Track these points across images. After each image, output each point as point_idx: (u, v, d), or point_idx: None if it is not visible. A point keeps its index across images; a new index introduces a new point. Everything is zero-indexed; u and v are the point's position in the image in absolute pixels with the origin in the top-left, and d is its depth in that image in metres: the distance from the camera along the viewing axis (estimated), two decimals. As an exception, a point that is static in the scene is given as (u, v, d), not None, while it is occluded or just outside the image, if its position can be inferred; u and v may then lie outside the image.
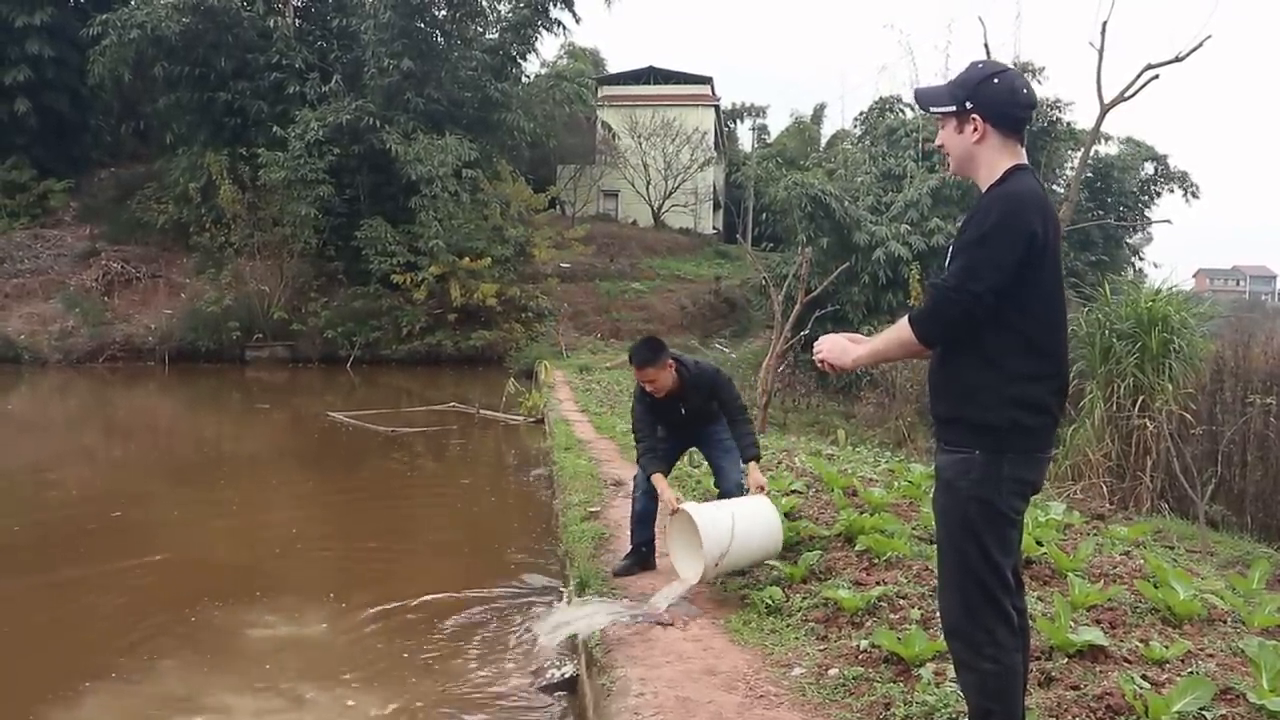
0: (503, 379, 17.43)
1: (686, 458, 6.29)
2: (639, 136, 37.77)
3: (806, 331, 11.33)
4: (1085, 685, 3.06)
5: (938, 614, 2.77)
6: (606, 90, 39.64)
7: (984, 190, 2.41)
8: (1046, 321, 2.36)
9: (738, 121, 51.55)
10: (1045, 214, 2.34)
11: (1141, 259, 32.57)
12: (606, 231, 34.96)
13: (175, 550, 7.27)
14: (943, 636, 2.60)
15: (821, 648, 3.68)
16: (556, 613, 4.94)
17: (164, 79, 25.16)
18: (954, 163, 2.52)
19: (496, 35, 27.53)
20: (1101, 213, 26.27)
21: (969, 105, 2.40)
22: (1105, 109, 13.67)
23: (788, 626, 3.98)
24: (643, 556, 5.06)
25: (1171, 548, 5.89)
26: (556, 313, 26.42)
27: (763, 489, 4.81)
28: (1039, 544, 4.60)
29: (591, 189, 38.83)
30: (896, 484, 6.42)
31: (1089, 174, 25.23)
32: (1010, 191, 2.33)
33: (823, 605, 4.07)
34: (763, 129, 51.72)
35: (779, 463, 7.70)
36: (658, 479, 4.78)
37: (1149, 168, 29.82)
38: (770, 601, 4.20)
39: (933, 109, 2.50)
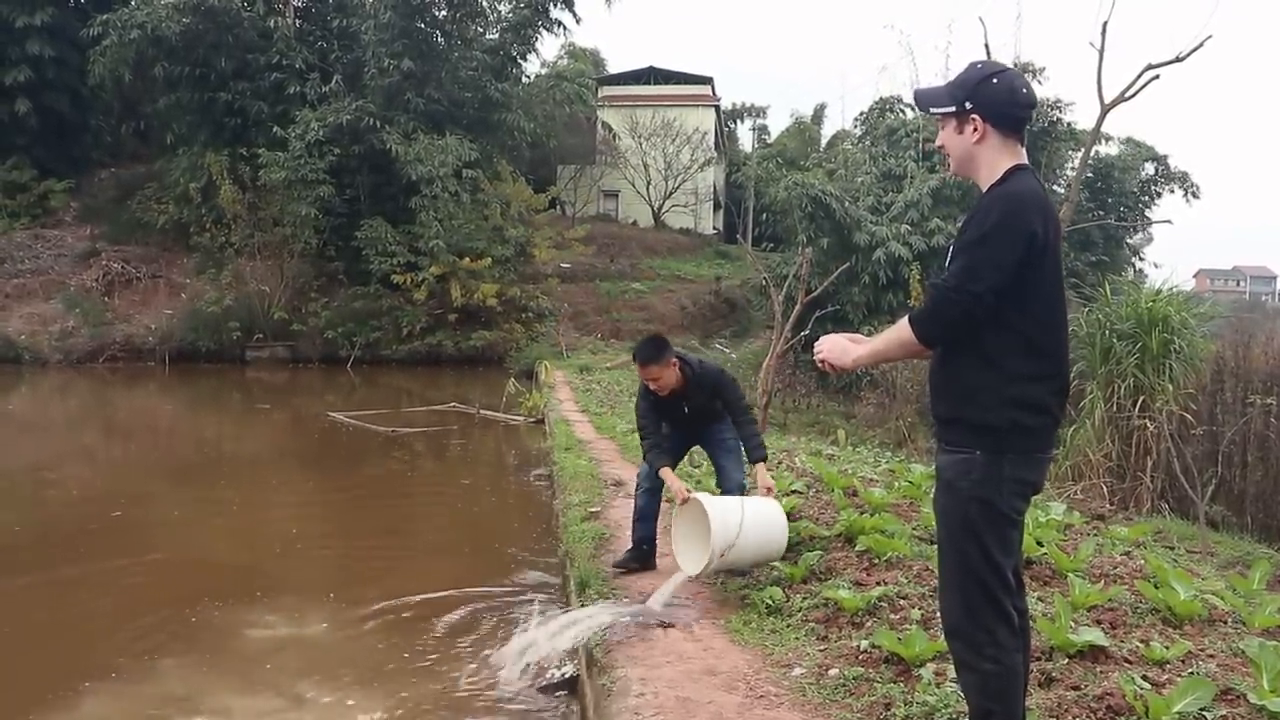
0: (503, 379, 17.43)
1: (687, 458, 6.29)
2: (639, 137, 37.77)
3: (807, 332, 11.32)
4: (1086, 686, 3.06)
5: (938, 614, 2.77)
6: (607, 90, 39.64)
7: (984, 190, 2.41)
8: (1047, 322, 2.36)
9: (738, 122, 51.59)
10: (1046, 214, 2.34)
11: (1142, 259, 32.62)
12: (607, 232, 34.96)
13: (175, 550, 7.28)
14: (943, 637, 2.60)
15: (822, 648, 3.68)
16: (523, 635, 4.80)
17: (164, 79, 25.18)
18: (954, 163, 2.52)
19: (497, 35, 27.54)
20: (1102, 213, 26.26)
21: (969, 105, 2.40)
22: (1106, 109, 13.65)
23: (788, 627, 3.98)
24: (643, 554, 5.06)
25: (1172, 548, 5.88)
26: (557, 313, 26.42)
27: (769, 490, 4.81)
28: (1039, 544, 4.60)
29: (592, 189, 38.83)
30: (897, 484, 6.41)
31: (1089, 174, 25.22)
32: (1011, 191, 2.33)
33: (823, 605, 4.07)
34: (763, 129, 51.78)
35: (779, 463, 7.69)
36: (665, 472, 4.79)
37: (1149, 168, 29.82)
38: (771, 602, 4.20)
39: (932, 110, 2.50)
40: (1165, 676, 3.10)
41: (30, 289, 24.46)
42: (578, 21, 34.67)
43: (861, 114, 30.67)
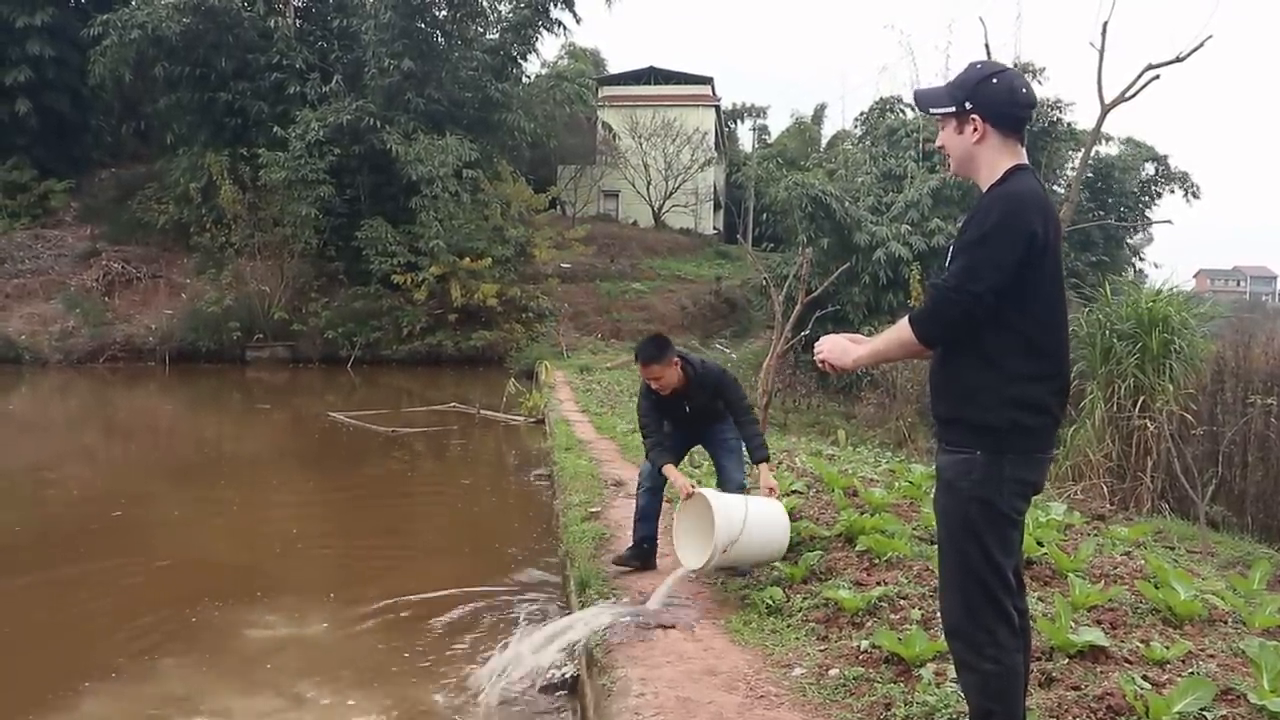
0: (503, 379, 17.44)
1: (687, 459, 6.29)
2: (639, 137, 37.76)
3: (807, 332, 11.30)
4: (1086, 686, 3.06)
5: (938, 614, 2.77)
6: (607, 90, 39.63)
7: (984, 190, 2.41)
8: (1047, 322, 2.36)
9: (738, 122, 51.59)
10: (1046, 214, 2.34)
11: (1142, 259, 32.63)
12: (607, 232, 34.96)
13: (176, 550, 7.28)
14: (943, 637, 2.60)
15: (822, 648, 3.68)
16: (502, 654, 4.64)
17: (164, 79, 25.18)
18: (954, 163, 2.52)
19: (497, 35, 27.53)
20: (1102, 213, 26.26)
21: (968, 106, 2.40)
22: (1106, 109, 13.65)
23: (788, 627, 3.98)
24: (644, 553, 5.06)
25: (1172, 548, 5.88)
26: (557, 313, 26.41)
27: (772, 491, 4.81)
28: (1040, 544, 4.60)
29: (592, 189, 38.83)
30: (897, 484, 6.41)
31: (1089, 174, 25.22)
32: (1011, 191, 2.33)
33: (823, 605, 4.07)
34: (763, 129, 51.78)
35: (780, 463, 7.69)
36: (669, 469, 4.80)
37: (1149, 168, 29.83)
38: (771, 602, 4.20)
39: (932, 110, 2.50)
40: (1165, 676, 3.10)
41: (30, 289, 24.47)
42: (578, 21, 34.71)
43: (862, 114, 30.69)
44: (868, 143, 26.79)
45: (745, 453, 5.11)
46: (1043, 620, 3.40)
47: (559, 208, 35.36)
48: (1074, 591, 3.90)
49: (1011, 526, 2.39)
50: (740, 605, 4.37)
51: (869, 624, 3.78)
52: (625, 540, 5.32)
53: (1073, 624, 3.47)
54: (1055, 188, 24.37)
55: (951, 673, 2.91)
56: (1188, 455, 7.69)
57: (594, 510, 6.55)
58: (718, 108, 43.48)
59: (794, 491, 6.16)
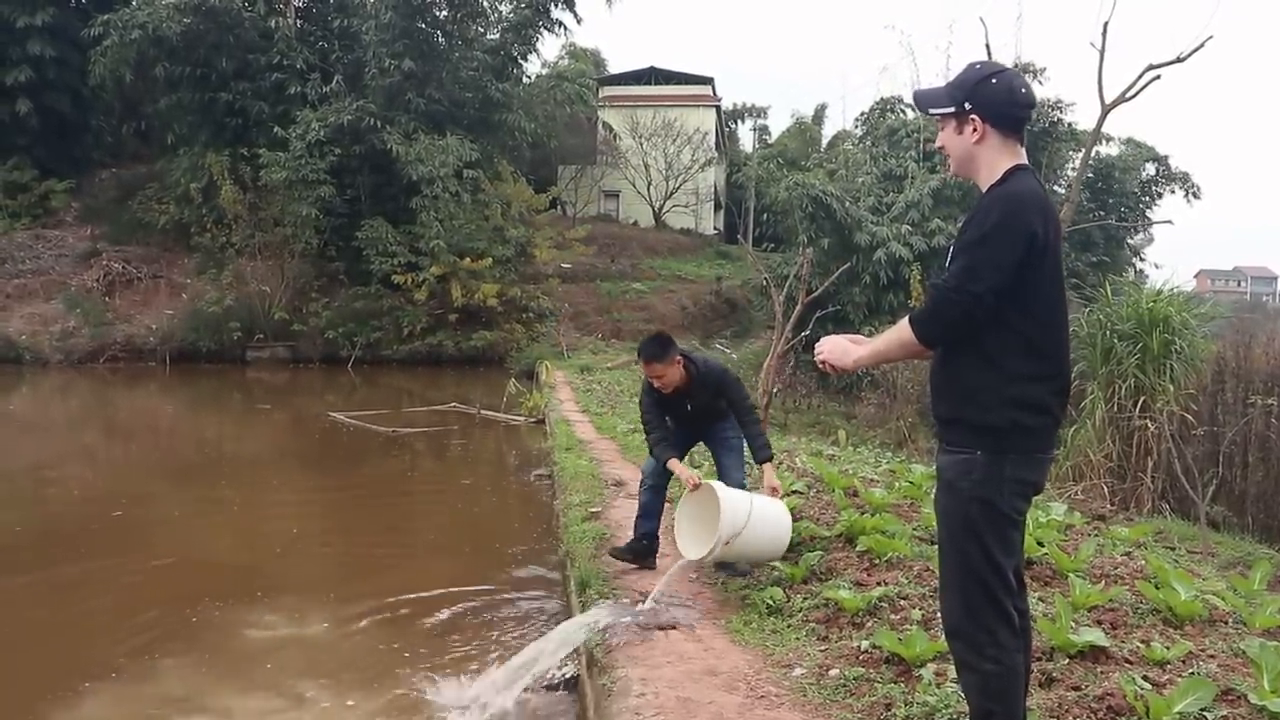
0: (504, 379, 17.44)
1: (688, 459, 6.29)
2: (640, 137, 37.75)
3: (808, 332, 11.30)
4: (1086, 686, 3.06)
5: (939, 615, 2.77)
6: (607, 90, 39.62)
7: (984, 190, 2.40)
8: (1047, 322, 2.36)
9: (739, 122, 51.58)
10: (1046, 214, 2.34)
11: (1143, 260, 32.59)
12: (607, 232, 34.95)
13: (176, 550, 7.28)
14: (944, 637, 2.60)
15: (822, 648, 3.68)
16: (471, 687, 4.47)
17: (165, 79, 25.17)
18: (954, 164, 2.52)
19: (497, 35, 27.52)
20: (1103, 213, 26.25)
21: (968, 106, 2.40)
22: (1106, 109, 13.65)
23: (789, 627, 3.98)
24: (643, 548, 5.06)
25: (1172, 548, 5.88)
26: (557, 313, 26.41)
27: (775, 491, 4.82)
28: (1040, 544, 4.60)
29: (592, 189, 38.82)
30: (897, 484, 6.41)
31: (1090, 174, 25.20)
32: (1010, 192, 2.33)
33: (824, 606, 4.07)
34: (764, 129, 51.76)
35: (780, 463, 7.68)
36: (673, 462, 4.81)
37: (1150, 168, 29.81)
38: (771, 602, 4.20)
39: (932, 110, 2.50)
40: (1166, 677, 3.10)
41: (31, 289, 24.47)
42: (578, 21, 34.69)
43: (862, 114, 30.71)
44: (868, 143, 26.80)
45: (747, 452, 5.12)
46: (1043, 620, 3.40)
47: (559, 208, 35.36)
48: (1074, 592, 3.89)
49: (1012, 527, 2.39)
50: (741, 605, 4.37)
51: (869, 624, 3.78)
52: (625, 539, 5.31)
53: (1073, 624, 3.47)
54: (1056, 188, 24.37)
55: (952, 673, 2.91)
56: (1188, 455, 7.68)
57: (594, 510, 6.54)
58: (718, 108, 43.47)
59: (794, 491, 6.16)
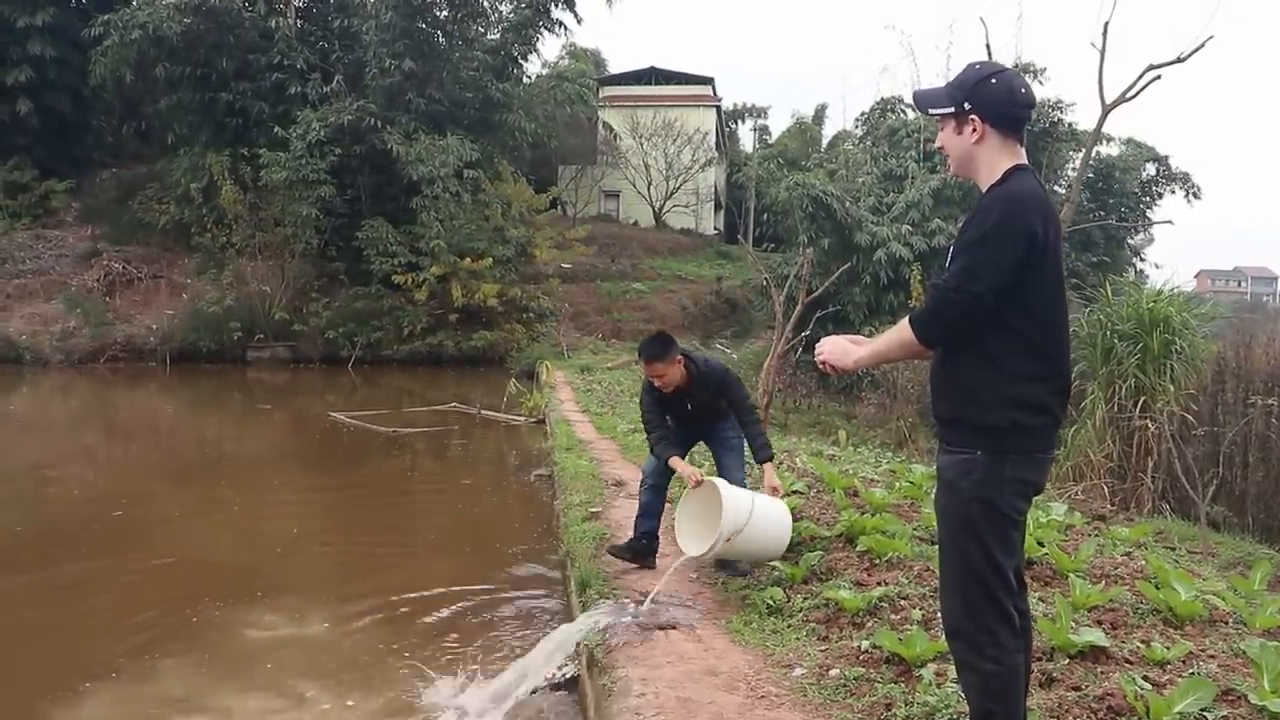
0: (504, 379, 17.44)
1: (688, 459, 6.29)
2: (640, 137, 37.75)
3: (808, 332, 11.31)
4: (1086, 686, 3.06)
5: (939, 615, 2.77)
6: (608, 91, 39.62)
7: (984, 191, 2.40)
8: (1047, 322, 2.36)
9: (739, 122, 51.57)
10: (1046, 214, 2.34)
11: (1143, 260, 32.59)
12: (608, 232, 34.95)
13: (177, 550, 7.27)
14: (944, 637, 2.60)
15: (823, 648, 3.68)
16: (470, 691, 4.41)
17: (165, 79, 25.16)
18: (954, 164, 2.52)
19: (498, 36, 27.51)
20: (1103, 213, 26.26)
21: (967, 106, 2.40)
22: (1107, 110, 13.65)
23: (789, 627, 3.98)
24: (642, 547, 5.06)
25: (1173, 549, 5.88)
26: (558, 313, 26.41)
27: (776, 490, 4.83)
28: (1040, 544, 4.60)
29: (593, 189, 38.82)
30: (898, 485, 6.41)
31: (1090, 175, 25.21)
32: (1010, 192, 2.33)
33: (824, 606, 4.07)
34: (764, 129, 51.75)
35: (780, 463, 7.68)
36: (675, 460, 4.81)
37: (1150, 168, 29.81)
38: (771, 602, 4.20)
39: (931, 111, 2.50)
40: (1166, 677, 3.10)
41: (31, 289, 24.46)
42: (579, 22, 34.69)
43: (863, 114, 30.74)
44: (868, 143, 26.82)
45: (748, 452, 5.12)
46: (1043, 620, 3.40)
47: (560, 208, 35.36)
48: (1075, 592, 3.89)
49: (1012, 527, 2.39)
50: (741, 605, 4.37)
51: (870, 624, 3.78)
52: (625, 539, 5.31)
53: (1073, 624, 3.47)
54: (1056, 188, 24.38)
55: (952, 673, 2.91)
56: (1188, 456, 7.68)
57: (594, 510, 6.54)
58: (718, 108, 43.47)
59: (795, 491, 6.16)
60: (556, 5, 27.02)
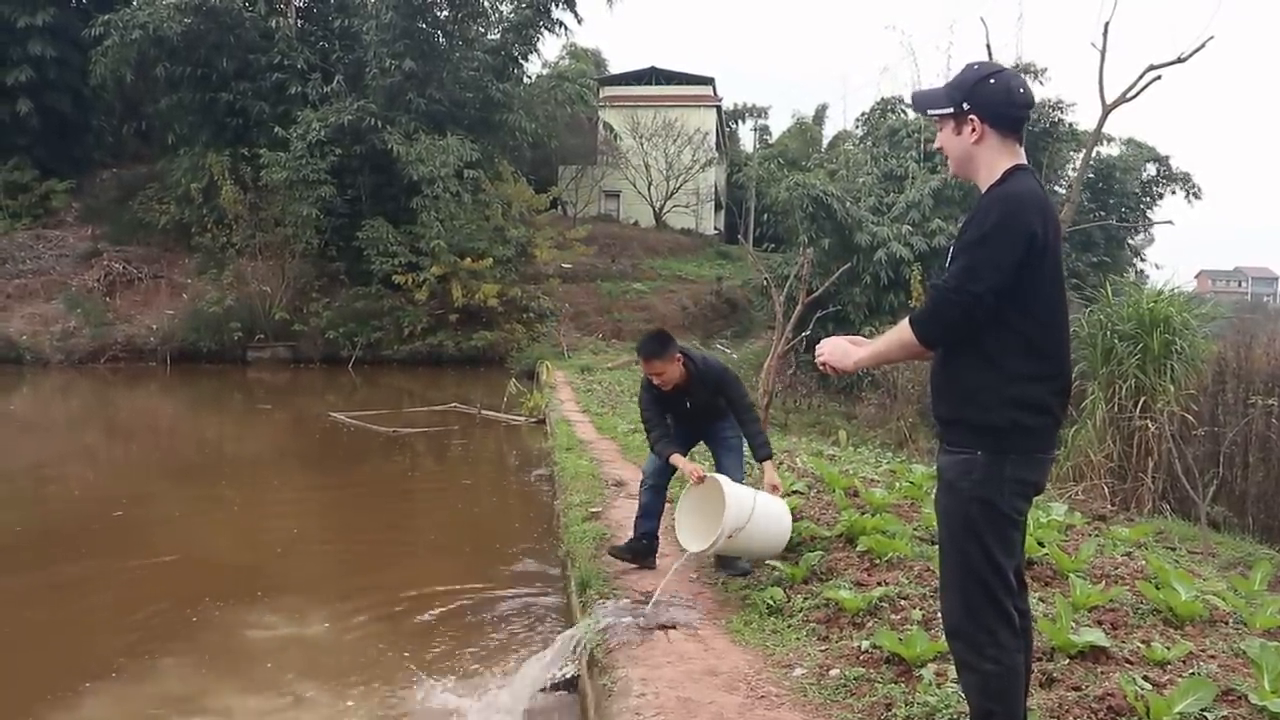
0: (504, 379, 17.44)
1: (687, 458, 6.29)
2: (641, 137, 37.75)
3: (808, 332, 11.31)
4: (1087, 686, 3.06)
5: (939, 615, 2.77)
6: (608, 91, 39.61)
7: (984, 191, 2.40)
8: (1047, 322, 2.36)
9: (739, 122, 51.58)
10: (1045, 214, 2.33)
11: (1143, 260, 32.58)
12: (608, 232, 34.95)
13: (177, 550, 7.28)
14: (944, 637, 2.60)
15: (823, 648, 3.68)
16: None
17: (166, 79, 25.16)
18: (953, 164, 2.52)
19: (498, 36, 27.51)
20: (1103, 214, 26.25)
21: (966, 107, 2.40)
22: (1107, 110, 13.64)
23: (789, 627, 3.98)
24: (643, 548, 5.05)
25: (1173, 549, 5.88)
26: (558, 313, 26.41)
27: (776, 489, 4.83)
28: (1041, 545, 4.59)
29: (593, 189, 38.83)
30: (898, 485, 6.41)
31: (1091, 175, 25.21)
32: (1010, 192, 2.33)
33: (824, 606, 4.06)
34: (764, 130, 51.76)
35: (781, 463, 7.68)
36: (676, 457, 4.81)
37: (1151, 169, 29.82)
38: (771, 602, 4.20)
39: (930, 111, 2.50)
40: (1166, 677, 3.10)
41: (32, 289, 24.46)
42: (579, 22, 34.71)
43: (863, 114, 30.75)
44: (869, 143, 26.83)
45: (747, 451, 5.12)
46: (1044, 620, 3.40)
47: (560, 208, 35.36)
48: (1075, 592, 3.89)
49: (1012, 527, 2.39)
50: (741, 605, 4.37)
51: (870, 624, 3.78)
52: (626, 539, 5.31)
53: (1074, 624, 3.47)
54: (1056, 188, 24.38)
55: (952, 673, 2.91)
56: (1189, 456, 7.69)
57: (595, 510, 6.54)
58: (719, 108, 43.47)
59: (795, 491, 6.16)
60: (557, 5, 27.02)
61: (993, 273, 2.26)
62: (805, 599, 4.20)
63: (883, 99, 27.56)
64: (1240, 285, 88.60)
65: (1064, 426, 6.01)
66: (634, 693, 3.38)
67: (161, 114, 26.92)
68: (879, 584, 4.19)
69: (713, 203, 42.50)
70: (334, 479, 10.71)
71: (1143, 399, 7.88)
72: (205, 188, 24.80)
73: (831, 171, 24.91)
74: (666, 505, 5.21)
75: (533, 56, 28.67)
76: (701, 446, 5.36)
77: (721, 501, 4.38)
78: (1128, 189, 28.52)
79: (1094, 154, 22.24)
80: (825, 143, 44.04)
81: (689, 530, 4.67)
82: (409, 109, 24.51)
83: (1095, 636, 3.35)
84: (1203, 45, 12.70)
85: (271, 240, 24.24)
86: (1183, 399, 8.14)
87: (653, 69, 42.37)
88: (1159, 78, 12.97)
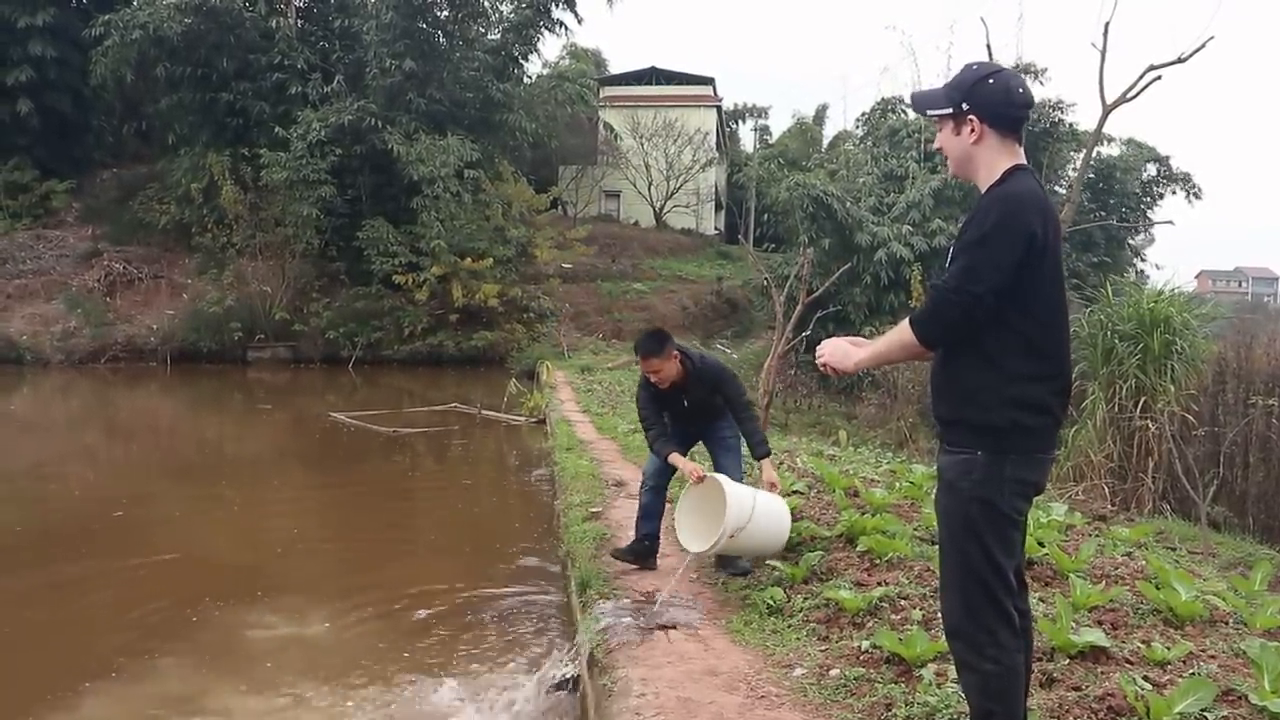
0: (504, 379, 17.44)
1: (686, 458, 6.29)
2: (641, 137, 37.75)
3: (808, 332, 11.32)
4: (1087, 686, 3.06)
5: (939, 615, 2.77)
6: (608, 91, 39.60)
7: (984, 191, 2.40)
8: (1047, 322, 2.36)
9: (740, 122, 51.56)
10: (1045, 214, 2.33)
11: (1143, 260, 32.57)
12: (608, 232, 34.95)
13: (177, 550, 7.27)
14: (944, 637, 2.60)
15: (823, 648, 3.68)
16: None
17: (166, 79, 25.16)
18: (953, 165, 2.52)
19: (498, 36, 27.51)
20: (1103, 214, 26.26)
21: (965, 107, 2.39)
22: (1107, 110, 13.65)
23: (789, 627, 3.98)
24: (644, 549, 5.05)
25: (1173, 549, 5.88)
26: (558, 313, 26.40)
27: (774, 486, 4.83)
28: (1041, 545, 4.59)
29: (593, 189, 38.82)
30: (898, 485, 6.41)
31: (1091, 175, 25.21)
32: (1009, 192, 2.33)
33: (824, 606, 4.06)
34: (765, 130, 51.74)
35: (781, 463, 7.68)
36: (675, 456, 4.81)
37: (1151, 169, 29.81)
38: (771, 602, 4.20)
39: (929, 112, 2.50)
40: (1166, 677, 3.10)
41: (32, 289, 24.46)
42: (579, 22, 34.77)
43: (863, 115, 30.74)
44: (869, 143, 26.83)
45: (745, 451, 5.12)
46: (1044, 621, 3.40)
47: (560, 208, 35.36)
48: (1075, 592, 3.89)
49: (1013, 527, 2.39)
50: (741, 605, 4.37)
51: (870, 624, 3.78)
52: (625, 540, 5.31)
53: (1074, 624, 3.47)
54: (1057, 188, 24.39)
55: (952, 673, 2.90)
56: (1189, 456, 7.69)
57: (595, 510, 6.54)
58: (719, 108, 43.47)
59: (795, 492, 6.16)
60: (557, 5, 27.02)
61: (993, 273, 2.26)
62: (805, 599, 4.20)
63: (883, 99, 27.59)
64: (1240, 285, 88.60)
65: (1064, 426, 6.02)
66: (634, 693, 3.38)
67: (161, 114, 26.93)
68: (879, 584, 4.19)
69: (713, 203, 42.49)
70: (334, 479, 10.71)
71: (1143, 399, 7.88)
72: (205, 188, 24.80)
73: (832, 171, 24.91)
74: (666, 505, 5.22)
75: (533, 56, 28.72)
76: (700, 447, 5.36)
77: (721, 501, 4.38)
78: (1128, 189, 28.52)
79: (1094, 154, 22.25)
80: (825, 143, 44.03)
81: (689, 530, 4.67)
82: (409, 109, 24.51)
83: (1095, 636, 3.35)
84: (1203, 45, 12.72)
85: (272, 240, 24.24)
86: (1183, 399, 8.14)
87: (653, 69, 42.36)
88: (1159, 78, 13.00)
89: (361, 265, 24.13)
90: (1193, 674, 3.07)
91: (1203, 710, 2.79)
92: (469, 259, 23.37)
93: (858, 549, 4.71)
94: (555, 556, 6.66)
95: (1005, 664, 2.35)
